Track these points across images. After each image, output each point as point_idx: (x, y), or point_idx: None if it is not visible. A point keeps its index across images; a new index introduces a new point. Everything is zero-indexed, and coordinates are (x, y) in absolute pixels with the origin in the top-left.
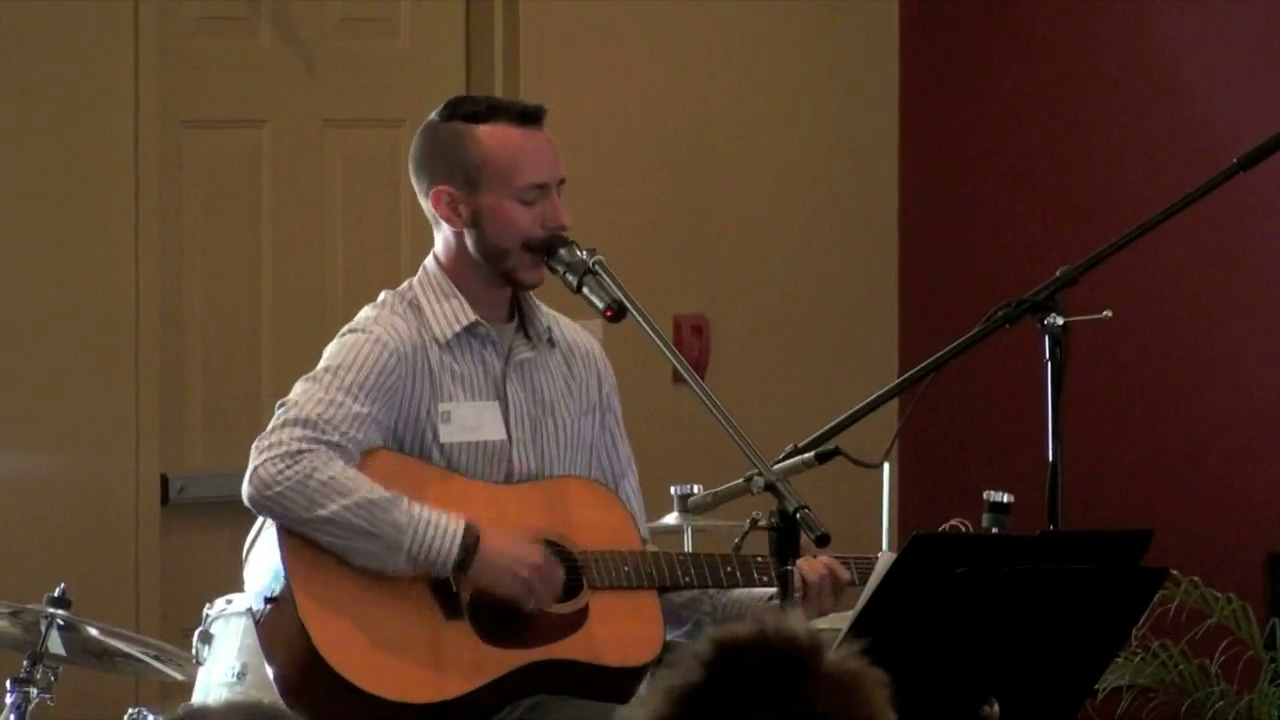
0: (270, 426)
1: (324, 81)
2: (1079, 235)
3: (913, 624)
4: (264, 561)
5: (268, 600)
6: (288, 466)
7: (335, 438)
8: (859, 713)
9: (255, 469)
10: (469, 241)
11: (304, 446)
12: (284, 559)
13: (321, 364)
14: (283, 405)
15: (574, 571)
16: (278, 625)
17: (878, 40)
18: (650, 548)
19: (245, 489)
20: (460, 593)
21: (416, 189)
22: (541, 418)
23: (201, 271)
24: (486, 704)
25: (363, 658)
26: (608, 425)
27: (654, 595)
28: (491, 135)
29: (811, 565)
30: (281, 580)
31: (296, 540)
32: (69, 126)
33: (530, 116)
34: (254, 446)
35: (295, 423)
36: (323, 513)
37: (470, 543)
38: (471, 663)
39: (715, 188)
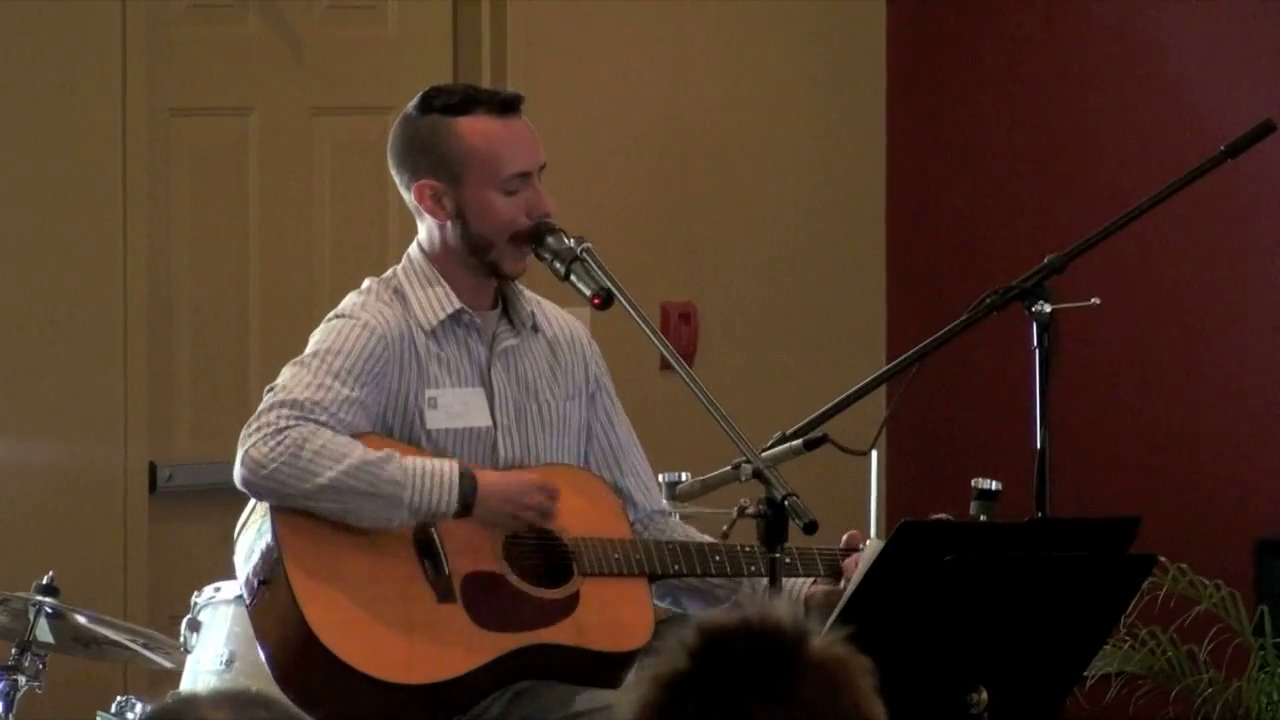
0: (258, 410)
1: (311, 69)
2: (1067, 223)
3: (900, 611)
4: (255, 544)
5: (261, 582)
6: (278, 443)
7: (323, 418)
8: (845, 699)
9: (246, 451)
10: (454, 233)
11: (290, 423)
12: (277, 541)
13: (309, 348)
14: (271, 389)
15: (564, 557)
16: (271, 607)
17: (865, 28)
18: (671, 522)
19: (238, 473)
20: (452, 576)
21: (397, 181)
22: (526, 404)
23: (189, 260)
24: (478, 687)
25: (357, 638)
26: (601, 404)
27: (644, 582)
28: (471, 127)
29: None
30: (274, 562)
31: (289, 522)
32: (57, 114)
33: (508, 106)
34: (243, 430)
35: (283, 405)
36: (320, 481)
37: (469, 486)
38: (464, 645)
39: (703, 175)
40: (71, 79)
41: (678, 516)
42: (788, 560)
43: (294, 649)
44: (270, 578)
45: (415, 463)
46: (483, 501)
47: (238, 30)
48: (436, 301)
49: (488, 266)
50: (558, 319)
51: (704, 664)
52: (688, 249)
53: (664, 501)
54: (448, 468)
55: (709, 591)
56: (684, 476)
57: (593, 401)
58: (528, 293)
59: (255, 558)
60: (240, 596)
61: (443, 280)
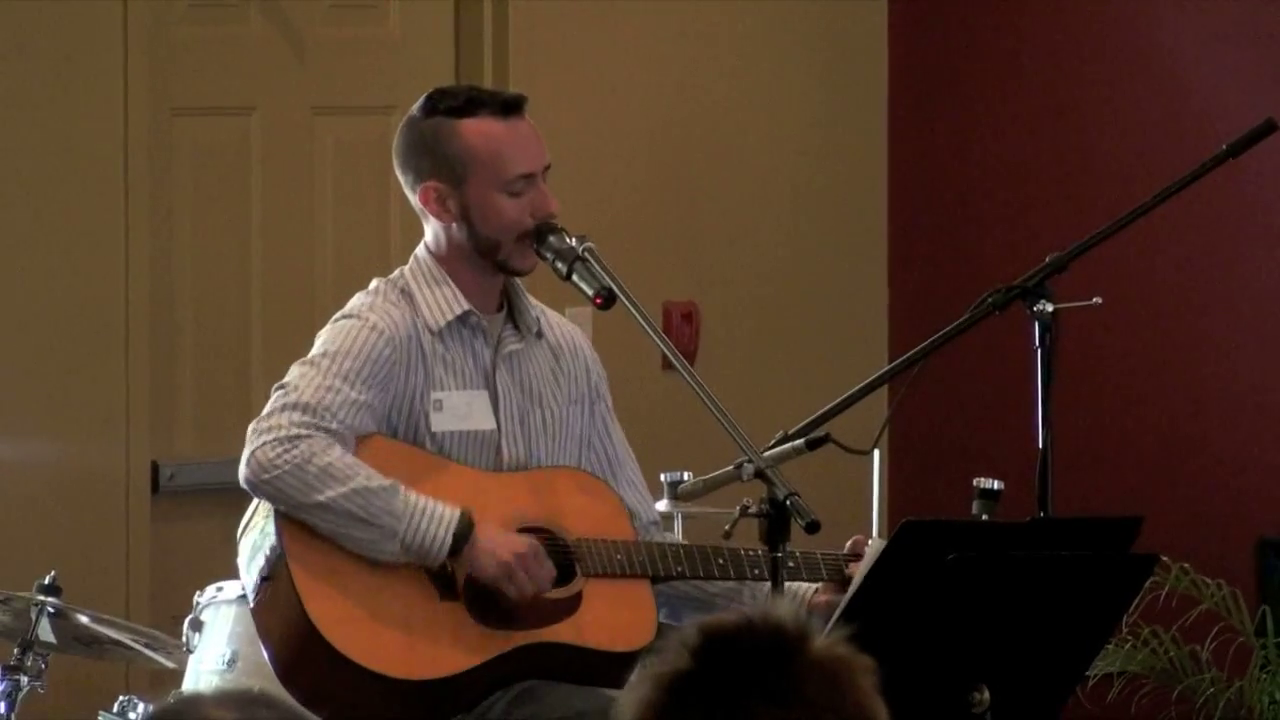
0: (267, 409)
1: (313, 69)
2: (1069, 222)
3: (902, 611)
4: (259, 542)
5: (263, 579)
6: (286, 451)
7: (333, 424)
8: (847, 699)
9: (253, 452)
10: (460, 234)
11: (302, 432)
12: (280, 538)
13: (318, 349)
14: (280, 388)
15: (567, 558)
16: (274, 604)
17: (867, 27)
18: (665, 535)
19: (242, 471)
20: (455, 574)
21: (403, 183)
22: (530, 408)
23: (191, 259)
24: (480, 685)
25: (360, 634)
26: (599, 414)
27: (646, 584)
28: (475, 129)
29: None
30: (277, 559)
31: (293, 520)
32: (59, 114)
33: (512, 107)
34: (251, 429)
35: (294, 407)
36: (319, 498)
37: (463, 531)
38: (466, 643)
39: (705, 174)
40: (73, 79)
41: (680, 516)
42: (790, 564)
43: (296, 645)
44: (273, 574)
45: (417, 500)
46: (472, 550)
47: (240, 30)
48: (444, 302)
49: (497, 265)
50: (561, 327)
51: (706, 664)
52: (690, 248)
53: (657, 512)
54: (447, 512)
55: (708, 602)
56: (686, 476)
57: (591, 411)
58: (532, 299)
59: (258, 556)
60: (243, 596)
61: (450, 281)
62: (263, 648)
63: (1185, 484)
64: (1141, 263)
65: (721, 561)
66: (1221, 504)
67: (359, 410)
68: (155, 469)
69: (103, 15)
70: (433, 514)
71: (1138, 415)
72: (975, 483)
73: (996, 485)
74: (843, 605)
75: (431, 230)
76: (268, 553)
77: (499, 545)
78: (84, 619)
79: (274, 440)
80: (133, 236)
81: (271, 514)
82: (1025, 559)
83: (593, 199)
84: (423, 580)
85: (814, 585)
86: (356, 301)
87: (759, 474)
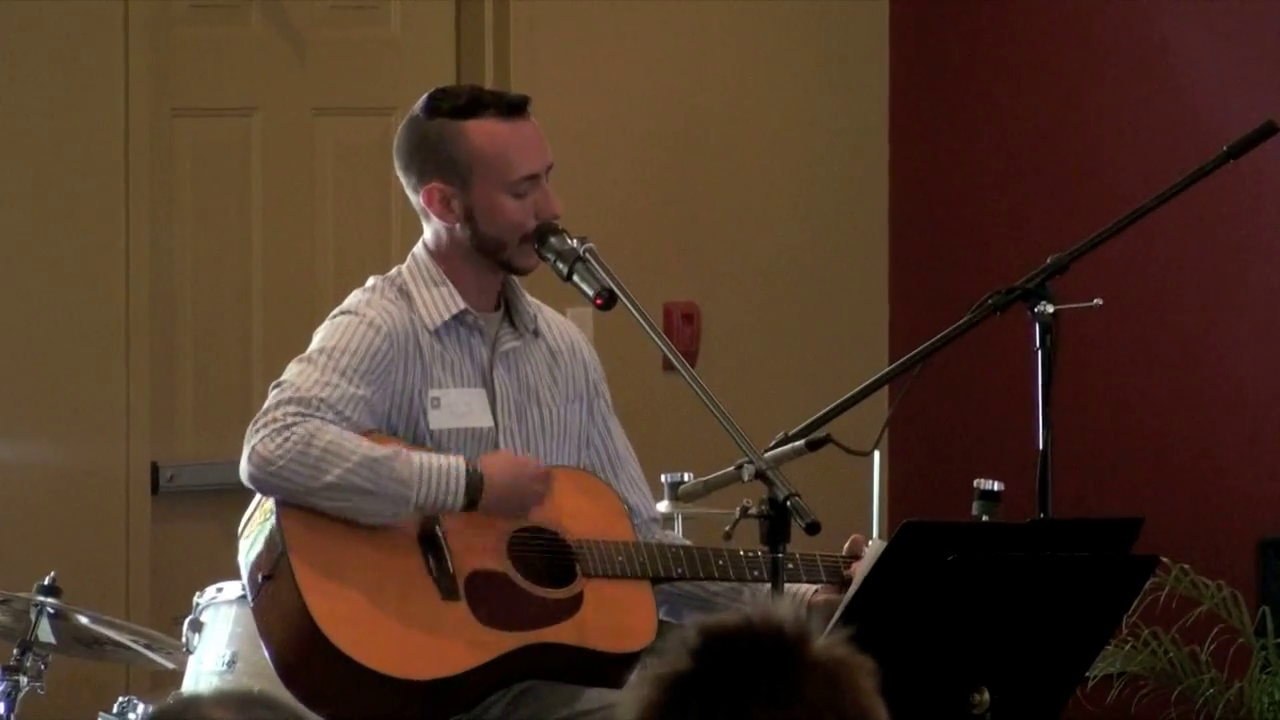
0: (265, 406)
1: (314, 69)
2: (1069, 223)
3: (903, 612)
4: (260, 540)
5: (265, 578)
6: (285, 439)
7: (330, 416)
8: (847, 700)
9: (254, 447)
10: (463, 235)
11: (297, 420)
12: (282, 535)
13: (315, 345)
14: (277, 385)
15: (568, 558)
16: (275, 602)
17: (868, 28)
18: (666, 533)
19: (245, 469)
20: (456, 574)
21: (404, 184)
22: (528, 406)
23: (191, 260)
24: (481, 685)
25: (362, 633)
26: (599, 412)
27: (647, 585)
28: (479, 131)
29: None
30: (279, 556)
31: (294, 517)
32: (60, 114)
33: (515, 107)
34: (250, 427)
35: (290, 401)
36: (328, 479)
37: (475, 482)
38: (467, 643)
39: (706, 175)
40: (74, 79)
41: (680, 517)
42: (790, 565)
43: (297, 643)
44: (274, 572)
45: (422, 460)
46: (488, 498)
47: (240, 30)
48: (441, 301)
49: (500, 264)
50: (558, 326)
51: (706, 664)
52: (690, 249)
53: (658, 510)
54: (454, 467)
55: (709, 601)
56: (686, 477)
57: (590, 409)
58: (529, 297)
59: (259, 553)
60: (243, 596)
61: (448, 280)
62: (263, 647)
63: (1185, 485)
64: (1141, 263)
65: (721, 563)
66: (1221, 504)
67: (357, 405)
68: (155, 469)
69: (103, 15)
70: (442, 473)
71: (1137, 416)
72: (975, 484)
73: (996, 486)
74: (843, 606)
75: (432, 229)
76: (268, 547)
77: (517, 483)
78: (84, 620)
79: (272, 432)
80: (133, 237)
81: (273, 513)
82: (1025, 560)
83: (594, 199)
84: (425, 580)
85: (814, 585)
86: (354, 298)
87: (759, 475)
